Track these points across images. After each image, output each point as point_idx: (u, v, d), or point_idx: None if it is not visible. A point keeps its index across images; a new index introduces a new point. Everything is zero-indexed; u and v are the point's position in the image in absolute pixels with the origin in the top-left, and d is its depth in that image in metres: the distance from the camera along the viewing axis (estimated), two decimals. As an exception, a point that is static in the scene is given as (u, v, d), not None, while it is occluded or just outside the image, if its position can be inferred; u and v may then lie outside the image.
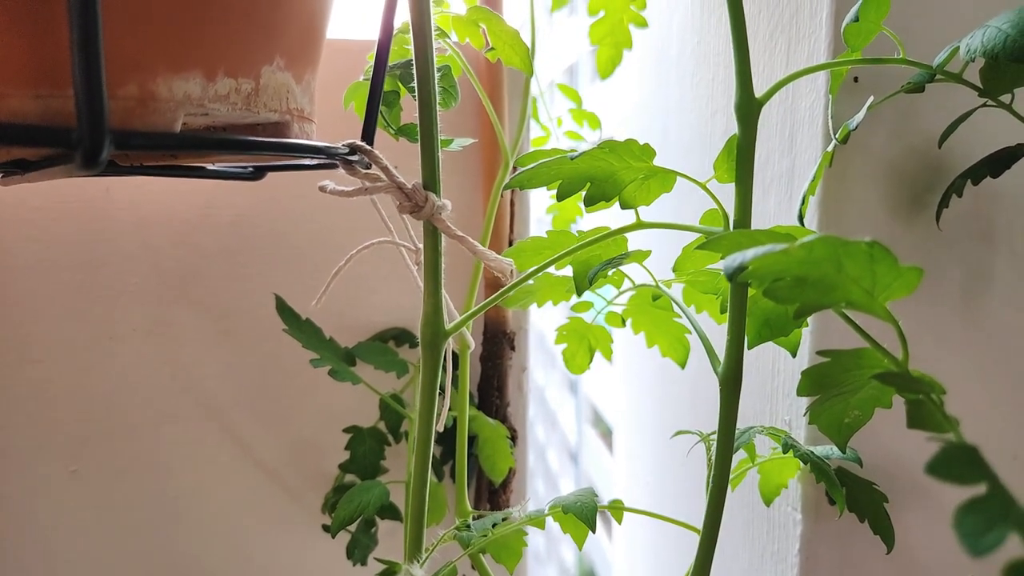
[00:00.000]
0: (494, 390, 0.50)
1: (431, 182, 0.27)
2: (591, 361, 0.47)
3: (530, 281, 0.42)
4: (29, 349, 0.48)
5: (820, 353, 0.23)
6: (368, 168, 0.28)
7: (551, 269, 0.42)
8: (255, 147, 0.23)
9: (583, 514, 0.30)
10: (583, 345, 0.46)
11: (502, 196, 0.49)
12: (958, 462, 0.15)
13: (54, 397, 0.49)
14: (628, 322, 0.44)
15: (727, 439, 0.27)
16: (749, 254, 0.19)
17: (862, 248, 0.19)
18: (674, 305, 0.39)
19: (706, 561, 0.27)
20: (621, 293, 0.40)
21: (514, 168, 0.50)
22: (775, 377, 0.40)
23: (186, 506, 0.51)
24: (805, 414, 0.25)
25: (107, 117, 0.18)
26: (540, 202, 0.63)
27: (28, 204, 0.47)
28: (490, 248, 0.46)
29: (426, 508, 0.27)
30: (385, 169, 0.27)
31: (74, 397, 0.49)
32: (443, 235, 0.28)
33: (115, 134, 0.19)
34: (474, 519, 0.35)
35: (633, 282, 0.38)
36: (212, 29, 0.22)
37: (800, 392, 0.24)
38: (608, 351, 0.46)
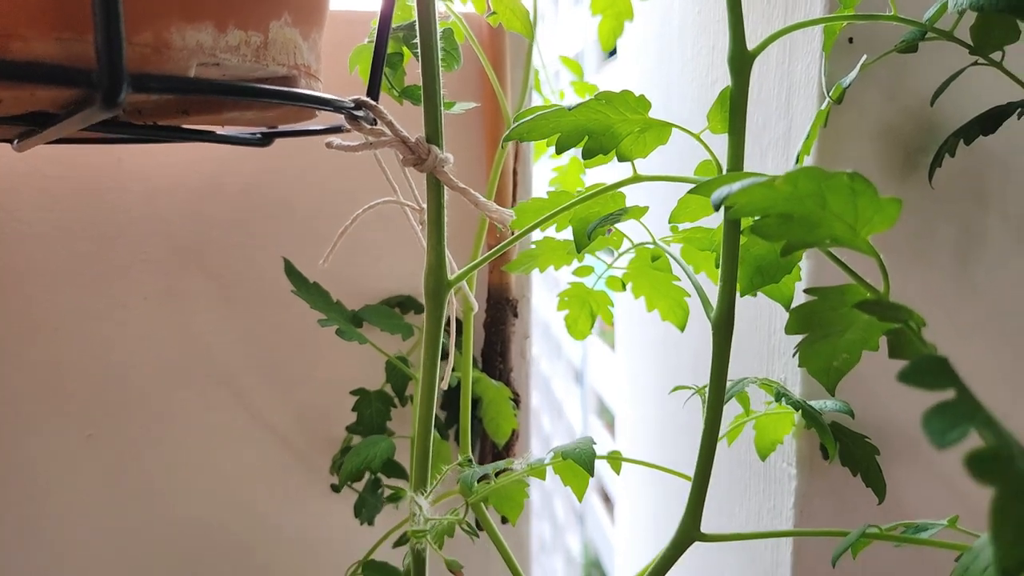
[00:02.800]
0: (497, 356, 0.51)
1: (434, 135, 0.28)
2: (592, 326, 0.48)
3: (532, 245, 0.43)
4: (45, 318, 0.50)
5: (807, 291, 0.24)
6: (373, 124, 0.29)
7: (552, 232, 0.43)
8: (264, 94, 0.24)
9: (582, 459, 0.31)
10: (584, 310, 0.47)
11: (505, 165, 0.50)
12: (930, 371, 0.16)
13: (69, 365, 0.50)
14: (628, 286, 0.45)
15: (719, 382, 0.28)
16: (736, 186, 0.20)
17: (844, 181, 0.20)
18: (672, 264, 0.40)
19: (698, 503, 0.28)
20: (620, 255, 0.41)
21: (516, 137, 0.51)
22: (771, 336, 0.41)
23: (197, 469, 0.52)
24: (794, 355, 0.25)
25: (125, 60, 0.19)
26: (543, 174, 0.63)
27: (42, 174, 0.48)
28: (490, 226, 0.47)
29: (431, 444, 0.28)
30: (390, 124, 0.28)
31: (88, 365, 0.50)
32: (446, 188, 0.29)
33: (132, 77, 0.20)
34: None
35: (632, 242, 0.39)
36: (222, -18, 0.23)
37: (788, 330, 0.25)
38: (608, 315, 0.47)
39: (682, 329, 0.44)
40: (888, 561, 0.40)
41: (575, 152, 0.58)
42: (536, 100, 0.57)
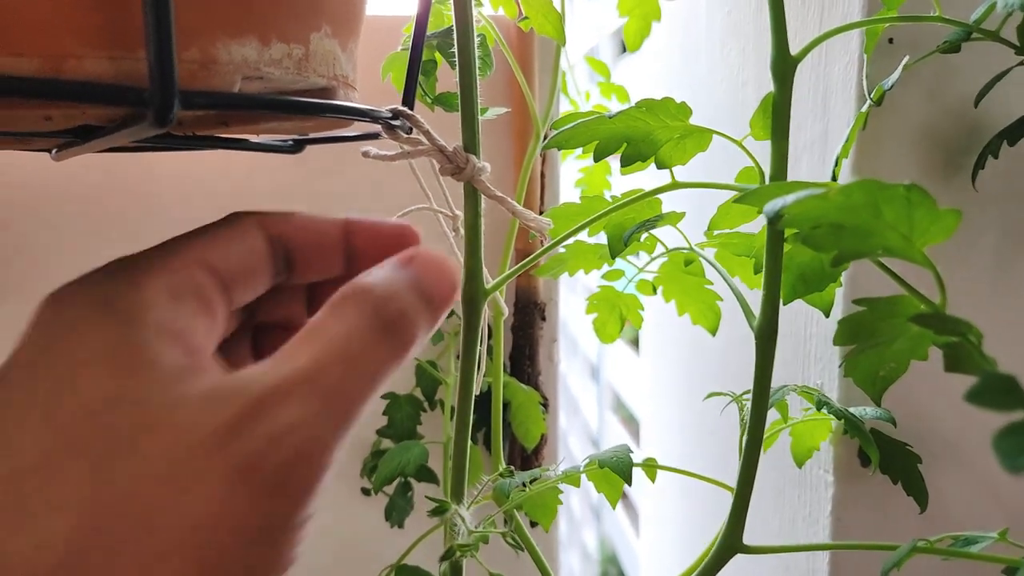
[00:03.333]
0: (526, 359, 0.51)
1: (471, 144, 0.28)
2: (621, 330, 0.48)
3: (561, 249, 0.43)
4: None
5: (856, 302, 0.24)
6: (409, 133, 0.29)
7: (583, 236, 0.43)
8: (306, 108, 0.24)
9: (619, 467, 0.30)
10: (614, 314, 0.47)
11: (532, 169, 0.50)
12: (997, 390, 0.16)
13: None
14: (659, 290, 0.45)
15: (762, 392, 0.27)
16: (789, 199, 0.19)
17: (900, 192, 0.19)
18: (706, 270, 0.40)
19: (740, 514, 0.28)
20: (653, 259, 0.41)
21: (546, 137, 0.51)
22: (807, 342, 0.41)
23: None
24: (841, 365, 0.25)
25: (176, 77, 0.19)
26: (568, 176, 0.63)
27: (78, 180, 0.49)
28: (520, 229, 0.47)
29: (468, 453, 0.28)
30: (427, 133, 0.28)
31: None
32: (482, 197, 0.29)
33: (181, 94, 0.20)
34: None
35: (666, 247, 0.38)
36: (264, -2, 0.23)
37: (836, 341, 0.24)
38: (638, 319, 0.47)
39: (714, 333, 0.44)
40: (930, 573, 0.39)
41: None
42: (563, 102, 0.56)
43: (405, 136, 0.29)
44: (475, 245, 0.29)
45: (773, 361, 0.27)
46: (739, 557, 0.52)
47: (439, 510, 0.24)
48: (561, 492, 0.38)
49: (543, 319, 0.51)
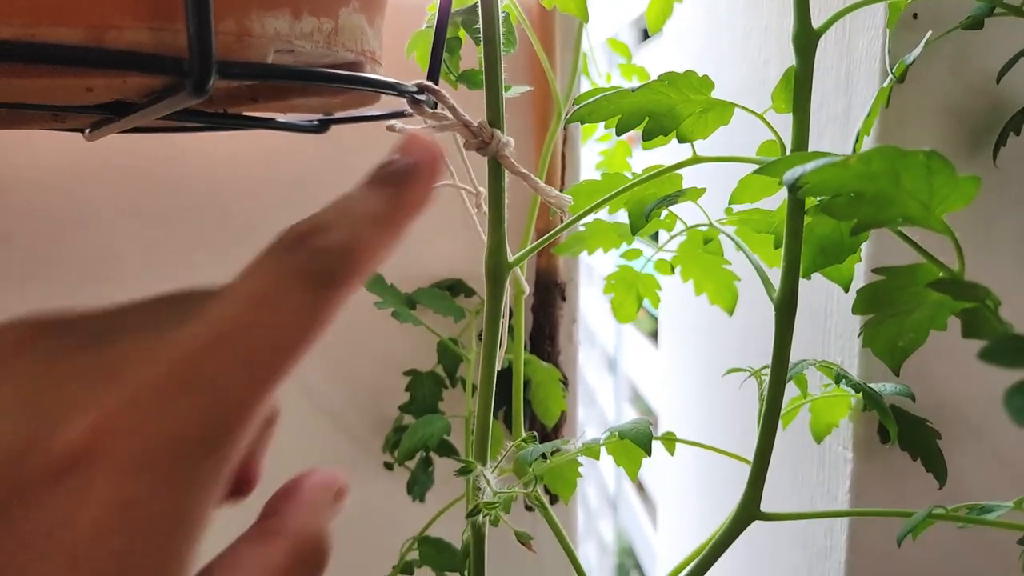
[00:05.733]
0: (546, 339, 0.51)
1: (496, 120, 0.29)
2: (638, 310, 0.48)
3: (581, 227, 0.44)
4: (113, 301, 0.52)
5: (875, 270, 0.24)
6: (434, 108, 0.30)
7: (603, 215, 0.43)
8: (336, 79, 0.25)
9: (639, 438, 0.31)
10: (631, 294, 0.48)
11: (553, 149, 0.50)
12: (1010, 349, 0.16)
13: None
14: (677, 270, 0.45)
15: (781, 363, 0.28)
16: (809, 166, 0.20)
17: (920, 160, 0.20)
18: (726, 246, 0.40)
19: (758, 481, 0.28)
20: (672, 238, 0.41)
21: (567, 117, 0.51)
22: (827, 319, 0.41)
23: (256, 447, 0.54)
24: (860, 335, 0.25)
25: (214, 48, 0.20)
26: (588, 158, 0.63)
27: (109, 163, 0.50)
28: (541, 207, 0.47)
29: (491, 419, 0.29)
30: (452, 108, 0.29)
31: (152, 345, 0.52)
32: (506, 172, 0.29)
33: (218, 64, 0.21)
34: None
35: (686, 224, 0.39)
36: (295, -28, 0.23)
37: (855, 310, 0.25)
38: (656, 299, 0.47)
39: (731, 313, 0.44)
40: (948, 544, 0.40)
41: (625, 136, 0.57)
42: (583, 84, 0.56)
43: (430, 111, 0.30)
44: (499, 220, 0.30)
45: (792, 333, 0.27)
46: (757, 535, 0.52)
47: (465, 470, 0.25)
48: (581, 465, 0.38)
49: (563, 299, 0.52)
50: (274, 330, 0.18)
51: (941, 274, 0.22)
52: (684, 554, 0.34)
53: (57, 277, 0.51)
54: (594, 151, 0.62)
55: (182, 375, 0.17)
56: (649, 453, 0.31)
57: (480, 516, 0.25)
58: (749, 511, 0.28)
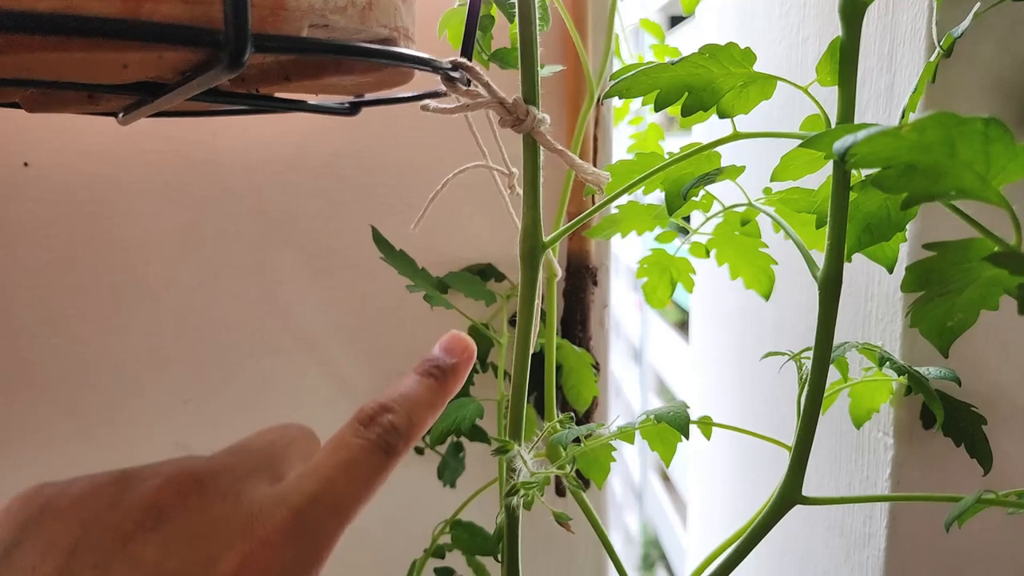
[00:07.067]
0: (577, 324, 0.51)
1: (531, 96, 0.28)
2: (671, 294, 0.48)
3: (615, 210, 0.43)
4: (146, 288, 0.52)
5: (927, 246, 0.23)
6: (468, 85, 0.29)
7: (637, 197, 0.42)
8: (371, 53, 0.24)
9: (676, 421, 0.30)
10: (664, 278, 0.47)
11: (585, 131, 0.49)
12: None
13: (168, 332, 0.53)
14: (712, 254, 0.44)
15: (825, 344, 0.27)
16: (861, 135, 0.19)
17: (977, 127, 0.19)
18: (761, 232, 0.39)
19: (800, 464, 0.28)
20: (708, 220, 0.41)
21: (598, 103, 0.50)
22: (868, 302, 0.40)
23: (288, 431, 0.54)
24: (907, 314, 0.25)
25: (250, 21, 0.20)
26: (620, 143, 0.63)
27: (143, 149, 0.50)
28: (574, 182, 0.47)
29: (525, 400, 0.29)
30: (487, 85, 0.28)
31: (185, 332, 0.53)
32: (541, 150, 0.29)
33: (254, 37, 0.20)
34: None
35: (723, 204, 0.38)
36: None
37: (904, 287, 0.24)
38: (689, 283, 0.46)
39: (767, 298, 0.43)
40: (989, 533, 0.39)
41: (654, 119, 0.56)
42: (615, 65, 0.56)
43: (464, 89, 0.29)
44: (534, 198, 0.29)
45: (836, 311, 0.26)
46: (794, 523, 0.51)
47: (501, 450, 0.25)
48: (615, 450, 0.38)
49: (595, 284, 0.51)
50: (357, 487, 0.26)
51: (997, 248, 0.21)
52: (715, 545, 0.33)
53: (94, 263, 0.51)
54: (625, 135, 0.61)
55: (293, 522, 0.23)
56: (687, 436, 0.31)
57: (516, 498, 0.25)
58: (791, 495, 0.28)
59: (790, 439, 0.30)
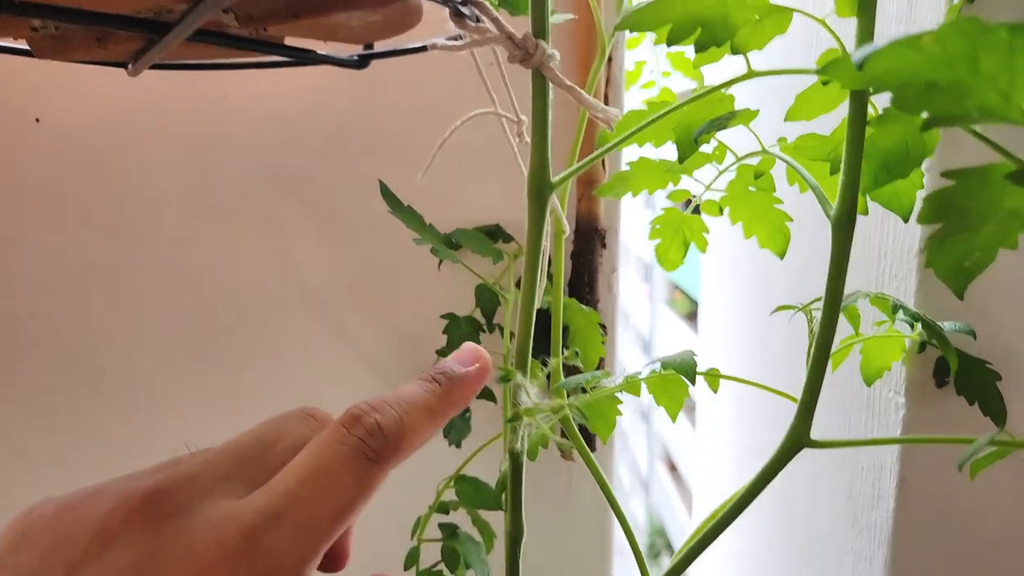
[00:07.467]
0: (585, 286, 0.51)
1: (541, 31, 0.28)
2: (684, 256, 0.47)
3: (625, 167, 0.43)
4: (159, 244, 0.52)
5: (945, 174, 0.22)
6: (477, 22, 0.29)
7: (648, 153, 0.42)
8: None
9: (683, 369, 0.30)
10: (677, 238, 0.46)
11: (596, 88, 0.49)
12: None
13: (179, 288, 0.53)
14: (725, 211, 0.44)
15: (836, 287, 0.26)
16: (880, 43, 0.18)
17: (1002, 37, 0.18)
18: (778, 183, 0.39)
19: (809, 408, 0.27)
20: (721, 174, 0.40)
21: (609, 60, 0.50)
22: (881, 260, 0.39)
23: (294, 390, 0.54)
24: (921, 251, 0.24)
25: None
26: (633, 105, 0.62)
27: (152, 106, 0.50)
28: (584, 141, 0.46)
29: (531, 339, 0.29)
30: (496, 20, 0.28)
31: (196, 288, 0.53)
32: (551, 87, 0.29)
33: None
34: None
35: (736, 155, 0.37)
36: None
37: (921, 219, 0.23)
38: (703, 242, 0.46)
39: (782, 256, 0.43)
40: (1000, 494, 0.38)
41: (666, 84, 0.55)
42: (628, 27, 0.55)
43: (473, 26, 0.29)
44: (543, 138, 0.29)
45: (849, 253, 0.26)
46: (802, 483, 0.51)
47: (505, 378, 0.24)
48: (620, 403, 0.37)
49: (603, 246, 0.51)
50: (328, 502, 0.22)
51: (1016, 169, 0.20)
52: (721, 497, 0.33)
53: (106, 219, 0.51)
54: (638, 100, 0.61)
55: (244, 545, 0.21)
56: (693, 382, 0.30)
57: (521, 428, 0.25)
58: (798, 438, 0.27)
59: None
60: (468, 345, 0.29)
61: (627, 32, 0.53)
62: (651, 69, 0.58)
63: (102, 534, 0.21)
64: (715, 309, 0.71)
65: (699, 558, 0.31)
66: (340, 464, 0.23)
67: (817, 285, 0.27)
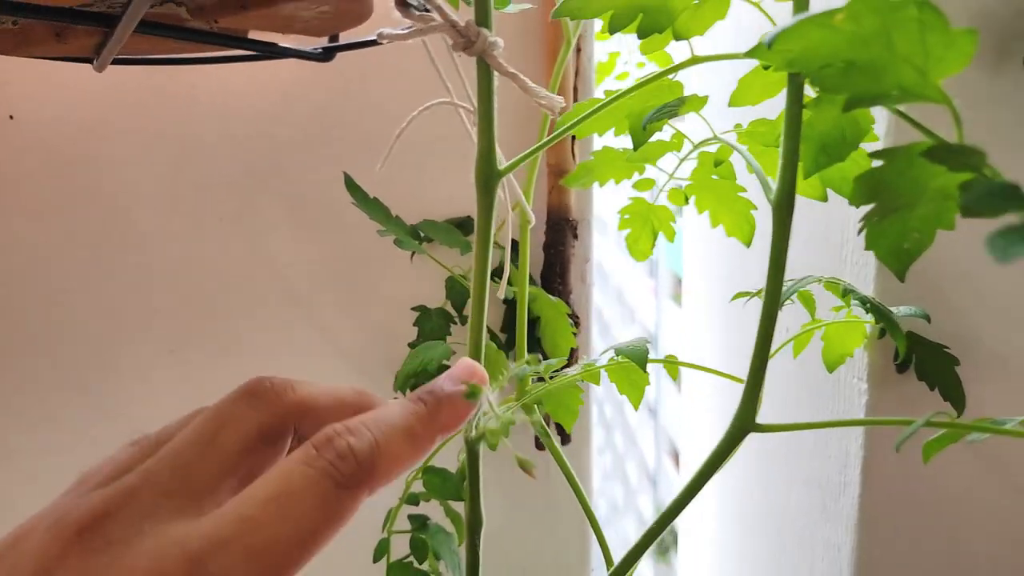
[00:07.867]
0: (556, 276, 0.51)
1: (484, 20, 0.28)
2: (654, 245, 0.47)
3: (590, 156, 0.43)
4: (131, 237, 0.53)
5: (873, 155, 0.22)
6: (425, 11, 0.29)
7: (612, 143, 0.42)
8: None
9: (635, 355, 0.30)
10: (646, 228, 0.46)
11: (565, 83, 0.49)
12: (996, 196, 0.15)
13: (154, 282, 0.53)
14: (691, 200, 0.44)
15: (777, 270, 0.26)
16: (789, 22, 0.18)
17: (912, 15, 0.18)
18: (739, 170, 0.39)
19: (754, 392, 0.27)
20: (681, 162, 0.40)
21: (577, 50, 0.50)
22: (842, 247, 0.39)
23: (271, 385, 0.54)
24: (860, 232, 0.24)
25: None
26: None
27: (125, 100, 0.51)
28: (551, 132, 0.46)
29: (484, 335, 0.29)
30: (439, 8, 0.28)
31: (171, 283, 0.53)
32: (495, 75, 0.29)
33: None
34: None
35: (693, 142, 0.37)
36: None
37: (853, 200, 0.23)
38: (671, 232, 0.46)
39: (748, 244, 0.43)
40: (963, 480, 0.38)
41: (640, 75, 0.54)
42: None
43: (418, 14, 0.29)
44: (488, 124, 0.29)
45: (789, 232, 0.26)
46: (772, 476, 0.51)
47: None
48: (582, 392, 0.38)
49: (575, 237, 0.51)
50: (288, 527, 0.20)
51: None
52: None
53: (80, 214, 0.52)
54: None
55: (188, 572, 0.19)
56: (644, 369, 0.31)
57: (472, 421, 0.25)
58: (743, 424, 0.27)
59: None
60: (464, 361, 0.27)
61: (596, 22, 0.53)
62: (625, 60, 0.58)
63: (38, 572, 0.20)
64: (697, 294, 0.71)
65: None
66: (304, 488, 0.21)
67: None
